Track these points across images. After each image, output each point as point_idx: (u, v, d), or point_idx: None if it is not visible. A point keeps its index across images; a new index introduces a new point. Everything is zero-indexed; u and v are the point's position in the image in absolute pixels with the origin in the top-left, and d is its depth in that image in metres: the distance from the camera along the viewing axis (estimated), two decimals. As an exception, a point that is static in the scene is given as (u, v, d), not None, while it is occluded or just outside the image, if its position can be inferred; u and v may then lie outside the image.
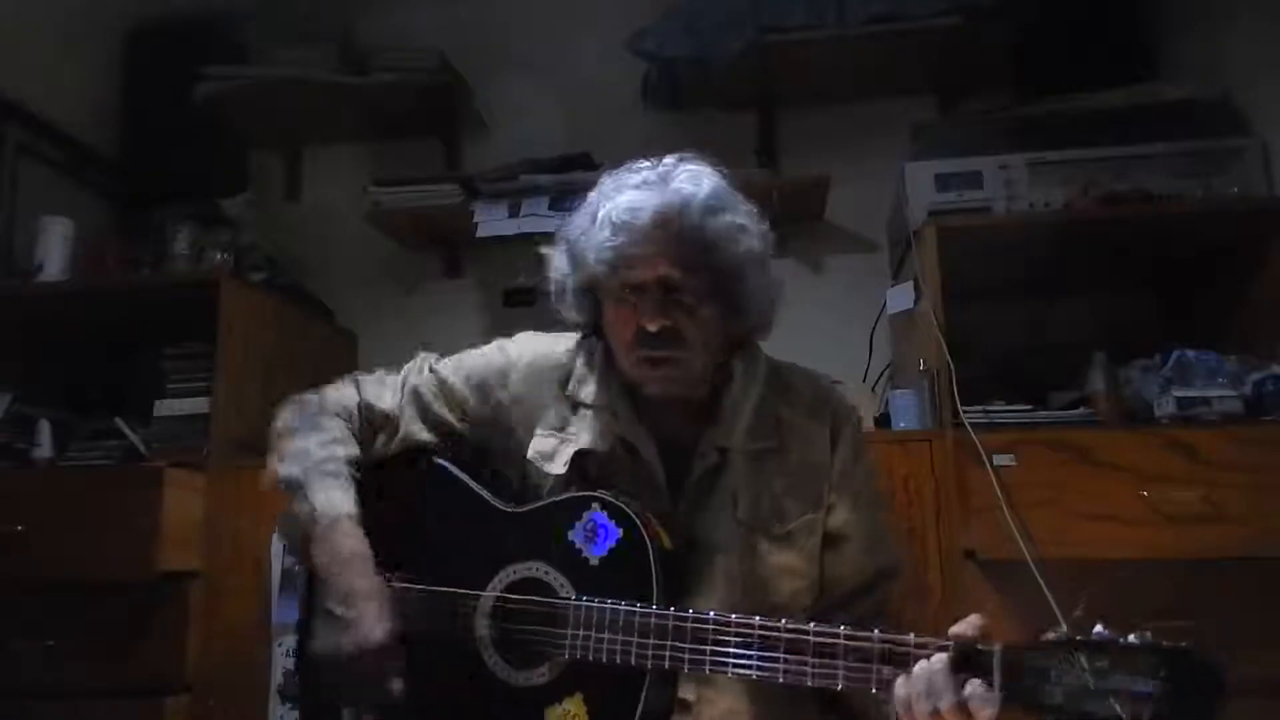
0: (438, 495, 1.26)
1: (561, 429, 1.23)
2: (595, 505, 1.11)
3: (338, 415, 1.29)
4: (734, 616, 1.01)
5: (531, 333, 1.34)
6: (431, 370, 1.31)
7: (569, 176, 2.39)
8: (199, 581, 2.02)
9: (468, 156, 2.82)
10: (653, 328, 1.11)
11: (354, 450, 1.26)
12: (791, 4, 2.42)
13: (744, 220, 1.17)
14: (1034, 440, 1.79)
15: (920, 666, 0.91)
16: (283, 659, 2.03)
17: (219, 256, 2.36)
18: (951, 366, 1.86)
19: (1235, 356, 1.84)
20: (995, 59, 2.44)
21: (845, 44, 2.41)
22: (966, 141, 2.13)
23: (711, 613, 1.03)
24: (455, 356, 1.33)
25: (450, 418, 1.29)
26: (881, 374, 2.43)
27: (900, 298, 2.14)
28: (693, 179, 1.15)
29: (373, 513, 1.23)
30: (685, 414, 1.22)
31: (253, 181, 2.82)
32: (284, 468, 1.24)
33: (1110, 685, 0.82)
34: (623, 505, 1.10)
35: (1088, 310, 2.36)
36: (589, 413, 1.23)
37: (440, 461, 1.28)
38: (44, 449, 2.20)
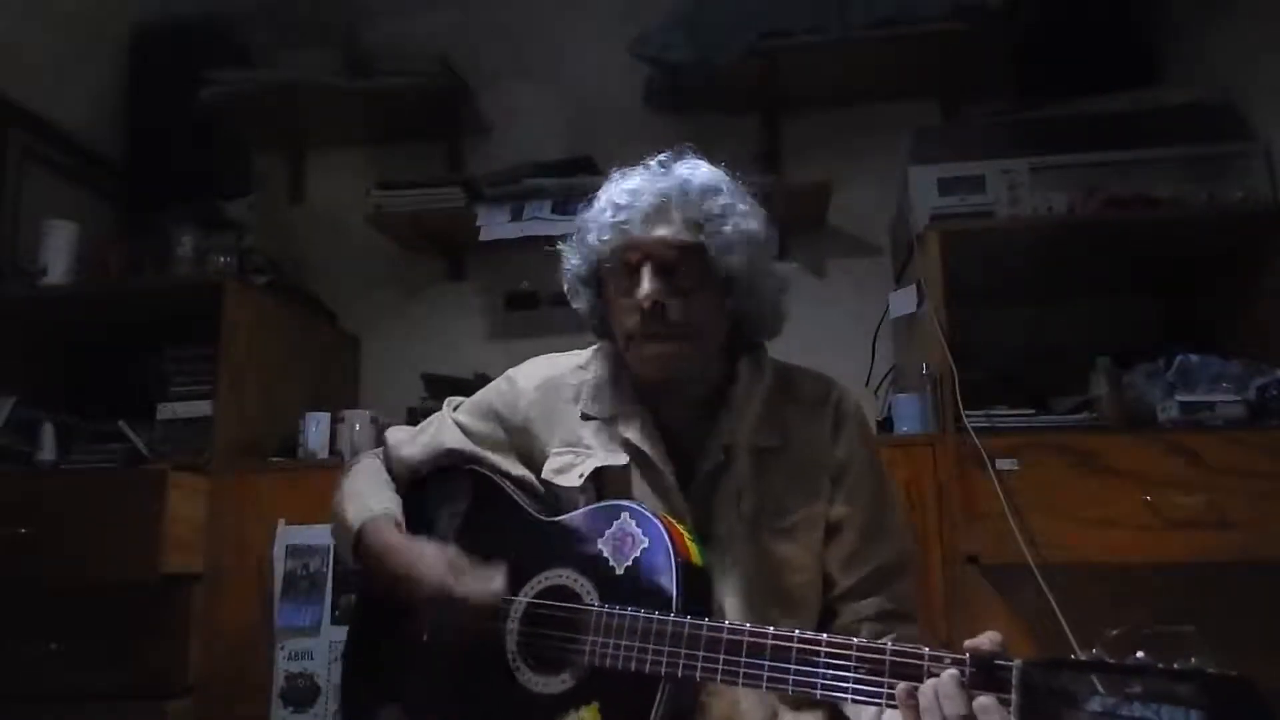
0: (477, 503, 1.29)
1: (575, 444, 1.25)
2: (625, 515, 1.12)
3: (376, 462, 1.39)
4: (748, 626, 1.00)
5: (540, 357, 1.37)
6: (454, 421, 1.35)
7: (572, 180, 2.39)
8: (201, 584, 2.03)
9: (470, 160, 2.82)
10: (646, 304, 1.13)
11: (387, 476, 1.35)
12: (794, 8, 2.42)
13: (741, 204, 1.20)
14: (1037, 444, 1.79)
15: (930, 682, 0.87)
16: (284, 662, 2.03)
17: (222, 259, 2.36)
18: (954, 370, 1.86)
19: (1239, 361, 1.84)
20: (998, 63, 2.44)
21: (848, 48, 2.42)
22: (969, 145, 2.12)
23: (726, 622, 1.02)
24: (470, 400, 1.38)
25: (481, 453, 1.33)
26: (884, 378, 2.43)
27: (903, 302, 2.14)
28: (692, 166, 1.20)
29: (414, 521, 1.28)
30: (695, 412, 1.23)
31: (256, 184, 2.82)
32: (332, 518, 1.33)
33: (1145, 714, 0.74)
34: (651, 516, 1.11)
35: (1090, 314, 2.36)
36: (601, 424, 1.24)
37: (480, 470, 1.31)
38: (47, 452, 2.20)
